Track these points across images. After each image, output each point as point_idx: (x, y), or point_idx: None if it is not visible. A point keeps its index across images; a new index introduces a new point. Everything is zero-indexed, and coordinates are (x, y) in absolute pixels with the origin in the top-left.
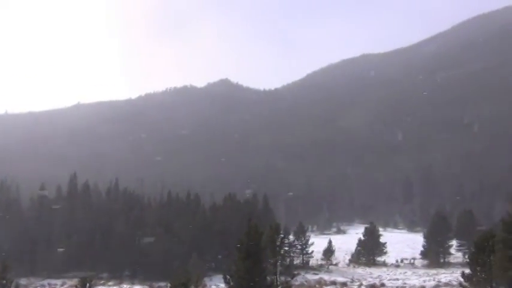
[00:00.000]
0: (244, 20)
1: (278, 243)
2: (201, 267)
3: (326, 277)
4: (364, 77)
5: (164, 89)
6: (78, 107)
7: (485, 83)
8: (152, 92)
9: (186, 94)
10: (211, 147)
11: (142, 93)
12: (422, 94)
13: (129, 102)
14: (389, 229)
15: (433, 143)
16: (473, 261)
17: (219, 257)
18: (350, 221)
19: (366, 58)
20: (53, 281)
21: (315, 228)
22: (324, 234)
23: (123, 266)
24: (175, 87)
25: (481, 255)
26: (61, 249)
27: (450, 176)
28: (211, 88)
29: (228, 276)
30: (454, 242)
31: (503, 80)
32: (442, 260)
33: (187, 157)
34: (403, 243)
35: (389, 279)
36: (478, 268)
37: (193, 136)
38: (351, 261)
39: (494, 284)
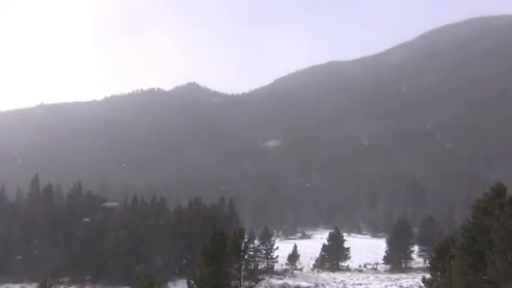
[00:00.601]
0: (215, 24)
1: (242, 248)
2: (165, 271)
3: (290, 282)
4: (330, 83)
5: (131, 91)
6: (41, 107)
7: (447, 92)
8: (118, 94)
9: (153, 97)
10: (178, 150)
11: (108, 94)
12: (387, 102)
13: (93, 104)
14: (353, 234)
15: (398, 150)
16: (433, 267)
17: (184, 261)
18: (315, 226)
19: (333, 65)
20: (11, 286)
21: (280, 233)
22: (289, 239)
23: (84, 270)
24: (142, 90)
25: (441, 260)
26: (19, 257)
27: (413, 182)
28: (178, 91)
29: (192, 281)
30: (415, 248)
31: (464, 89)
32: (404, 265)
33: (153, 160)
34: (366, 248)
35: (352, 284)
36: (439, 273)
37: (160, 139)
38: (315, 266)
39: None
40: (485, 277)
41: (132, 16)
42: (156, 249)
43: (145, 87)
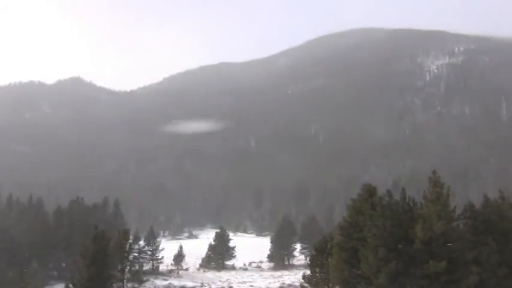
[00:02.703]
0: (101, 20)
1: (127, 249)
2: (41, 275)
3: (176, 282)
4: (221, 84)
5: (7, 84)
6: None
7: (330, 97)
8: None
9: (32, 90)
10: (60, 148)
11: None
12: (275, 104)
13: None
14: (239, 234)
15: (284, 152)
16: (313, 263)
17: (63, 264)
18: (202, 225)
19: (223, 66)
20: None
21: (167, 234)
22: (176, 239)
23: None
24: (20, 82)
25: (320, 257)
26: None
27: (297, 183)
28: (61, 85)
29: (70, 285)
30: (298, 246)
31: (345, 95)
32: (286, 263)
33: (34, 159)
34: (252, 247)
35: (237, 282)
36: (317, 269)
37: (39, 136)
38: (201, 265)
39: (330, 284)
40: (359, 272)
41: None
42: (33, 253)
43: (24, 80)
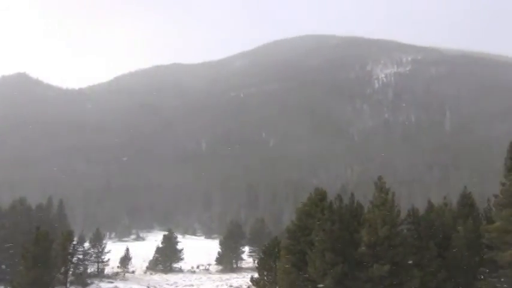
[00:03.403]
0: (53, 17)
1: (70, 251)
2: None
3: (121, 285)
4: (173, 85)
5: None
6: None
7: (282, 101)
8: None
9: None
10: (1, 146)
11: None
12: (227, 107)
13: None
14: (188, 236)
15: (235, 155)
16: (261, 266)
17: (3, 267)
18: (150, 227)
19: (176, 67)
20: None
21: (113, 235)
22: (123, 241)
23: None
24: None
25: (267, 260)
26: None
27: (247, 186)
28: (5, 81)
29: None
30: (246, 248)
31: (297, 100)
32: (235, 265)
33: None
34: (200, 249)
35: (184, 285)
36: (265, 272)
37: None
38: (148, 268)
39: (277, 287)
40: (306, 275)
41: None
42: None
43: None
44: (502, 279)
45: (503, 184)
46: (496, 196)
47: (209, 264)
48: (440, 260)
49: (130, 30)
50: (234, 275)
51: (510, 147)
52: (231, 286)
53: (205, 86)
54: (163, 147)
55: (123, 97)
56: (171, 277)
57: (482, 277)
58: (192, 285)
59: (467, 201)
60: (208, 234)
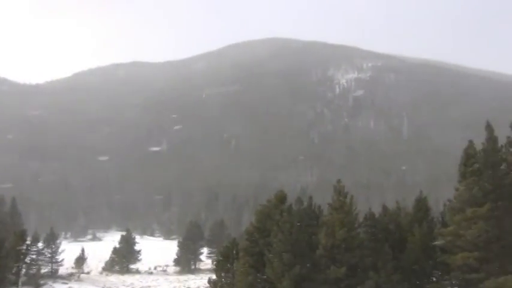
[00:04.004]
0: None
1: (23, 251)
2: None
3: (76, 286)
4: (133, 83)
5: None
6: None
7: (244, 104)
8: None
9: None
10: None
11: None
12: (189, 107)
13: None
14: (146, 237)
15: (196, 155)
16: (219, 267)
17: None
18: (107, 228)
19: (137, 65)
20: None
21: (69, 235)
22: (78, 241)
23: None
24: None
25: (226, 262)
26: None
27: (207, 187)
28: None
29: None
30: (205, 250)
31: (259, 102)
32: (193, 267)
33: None
34: (158, 250)
35: (141, 287)
36: (223, 274)
37: None
38: (104, 269)
39: None
40: (264, 277)
41: None
42: None
43: None
44: (453, 282)
45: (457, 189)
46: (450, 201)
47: (167, 266)
48: (396, 263)
49: (91, 27)
50: (192, 276)
51: (464, 154)
52: (188, 287)
53: (166, 86)
54: (122, 145)
55: (81, 94)
56: (128, 278)
57: (435, 279)
58: (149, 287)
59: (422, 206)
60: (167, 235)
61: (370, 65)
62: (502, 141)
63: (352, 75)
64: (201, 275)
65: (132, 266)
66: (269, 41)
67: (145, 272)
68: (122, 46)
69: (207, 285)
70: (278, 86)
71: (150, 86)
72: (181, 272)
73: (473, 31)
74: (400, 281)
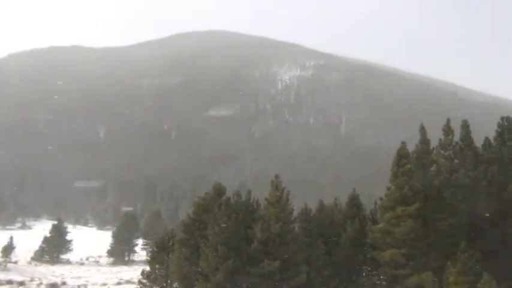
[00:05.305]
0: None
1: None
2: None
3: (2, 276)
4: (70, 68)
5: None
6: None
7: (184, 95)
8: None
9: None
10: None
11: None
12: (129, 96)
13: None
14: (79, 226)
15: (134, 145)
16: (153, 259)
17: None
18: (38, 216)
19: (76, 49)
20: None
21: None
22: (7, 229)
23: None
24: None
25: (160, 253)
26: None
27: (145, 178)
28: None
29: None
30: (140, 241)
31: (201, 94)
32: (127, 258)
33: None
34: (91, 241)
35: (72, 278)
36: (157, 265)
37: None
38: (33, 258)
39: (169, 281)
40: (199, 269)
41: None
42: None
43: None
44: (382, 277)
45: (388, 188)
46: (381, 199)
47: (100, 256)
48: (328, 258)
49: (28, 6)
50: (125, 268)
51: (396, 155)
52: (121, 279)
53: (106, 72)
54: (58, 132)
55: (15, 76)
56: (58, 269)
57: (364, 274)
58: (80, 278)
59: (355, 203)
60: (101, 225)
61: (312, 63)
62: (434, 143)
63: (295, 73)
64: (135, 267)
65: (63, 256)
66: (214, 34)
67: (77, 262)
68: (63, 30)
69: (140, 276)
70: (221, 79)
71: (90, 72)
72: (114, 263)
73: (411, 37)
74: (331, 275)
